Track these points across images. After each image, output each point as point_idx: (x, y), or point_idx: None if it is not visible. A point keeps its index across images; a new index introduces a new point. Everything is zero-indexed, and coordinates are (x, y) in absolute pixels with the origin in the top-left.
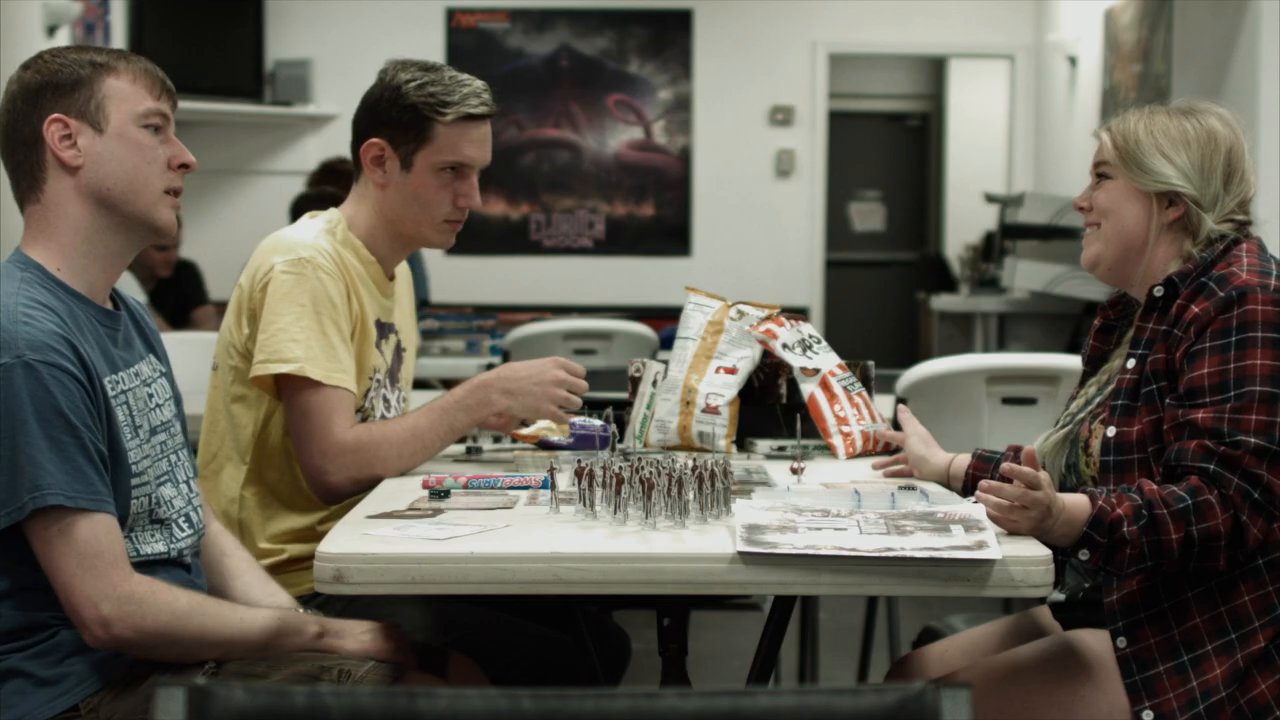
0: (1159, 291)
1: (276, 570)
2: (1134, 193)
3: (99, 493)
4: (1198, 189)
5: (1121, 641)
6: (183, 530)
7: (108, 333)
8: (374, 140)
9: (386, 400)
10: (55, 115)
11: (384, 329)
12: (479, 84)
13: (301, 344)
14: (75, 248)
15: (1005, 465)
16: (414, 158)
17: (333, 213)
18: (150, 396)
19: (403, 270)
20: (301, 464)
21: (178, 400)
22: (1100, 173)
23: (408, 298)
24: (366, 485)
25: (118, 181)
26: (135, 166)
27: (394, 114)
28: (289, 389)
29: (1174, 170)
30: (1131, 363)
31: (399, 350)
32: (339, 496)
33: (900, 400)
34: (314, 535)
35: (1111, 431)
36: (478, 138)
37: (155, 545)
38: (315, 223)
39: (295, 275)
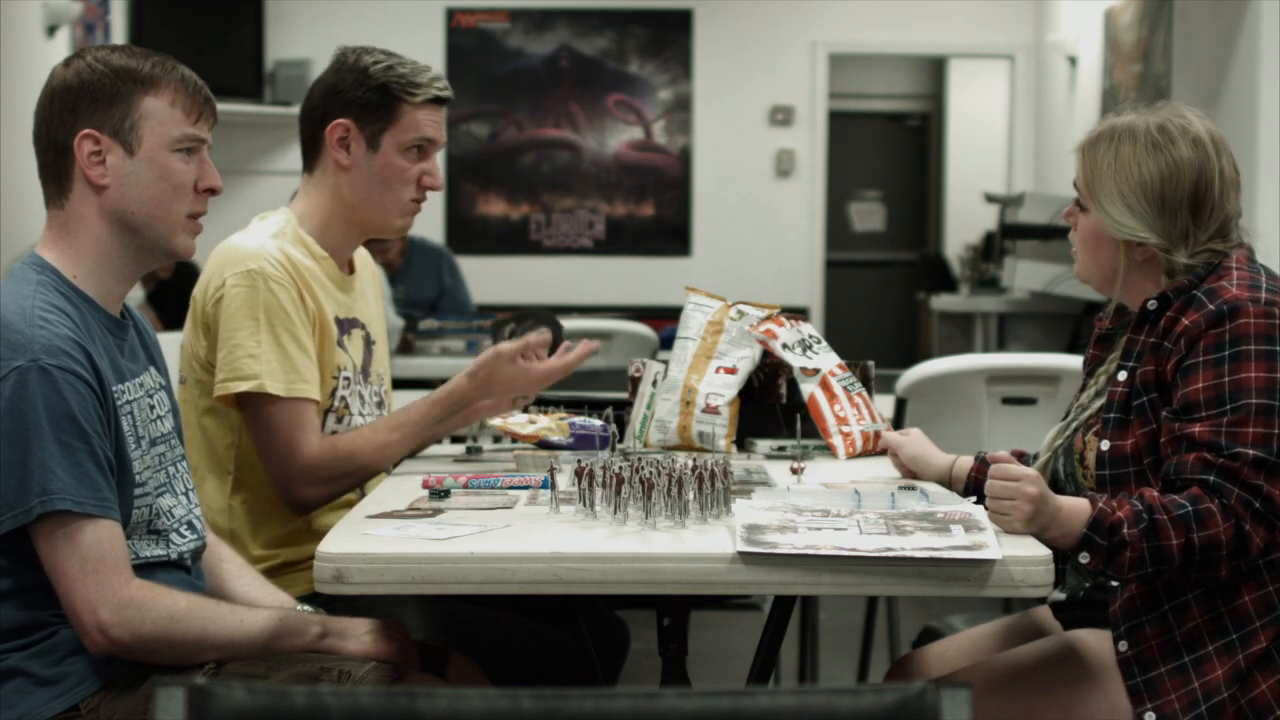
0: (1153, 305)
1: (271, 575)
2: (1104, 231)
3: (105, 499)
4: (1162, 234)
5: (1123, 645)
6: (183, 537)
7: (116, 342)
8: (339, 121)
9: (361, 397)
10: (88, 130)
11: (346, 325)
12: (437, 69)
13: (258, 359)
14: (92, 259)
15: (992, 455)
16: (381, 138)
17: (282, 212)
18: (152, 408)
19: (364, 261)
20: (271, 478)
21: (176, 413)
22: (1078, 200)
23: (373, 289)
24: (337, 496)
25: (141, 206)
26: (161, 193)
27: (361, 94)
28: (251, 405)
29: (1134, 220)
30: (1123, 375)
31: (368, 343)
32: (309, 509)
33: (900, 400)
34: (306, 538)
35: (1105, 445)
36: (440, 119)
37: (154, 550)
38: (265, 225)
39: (246, 289)
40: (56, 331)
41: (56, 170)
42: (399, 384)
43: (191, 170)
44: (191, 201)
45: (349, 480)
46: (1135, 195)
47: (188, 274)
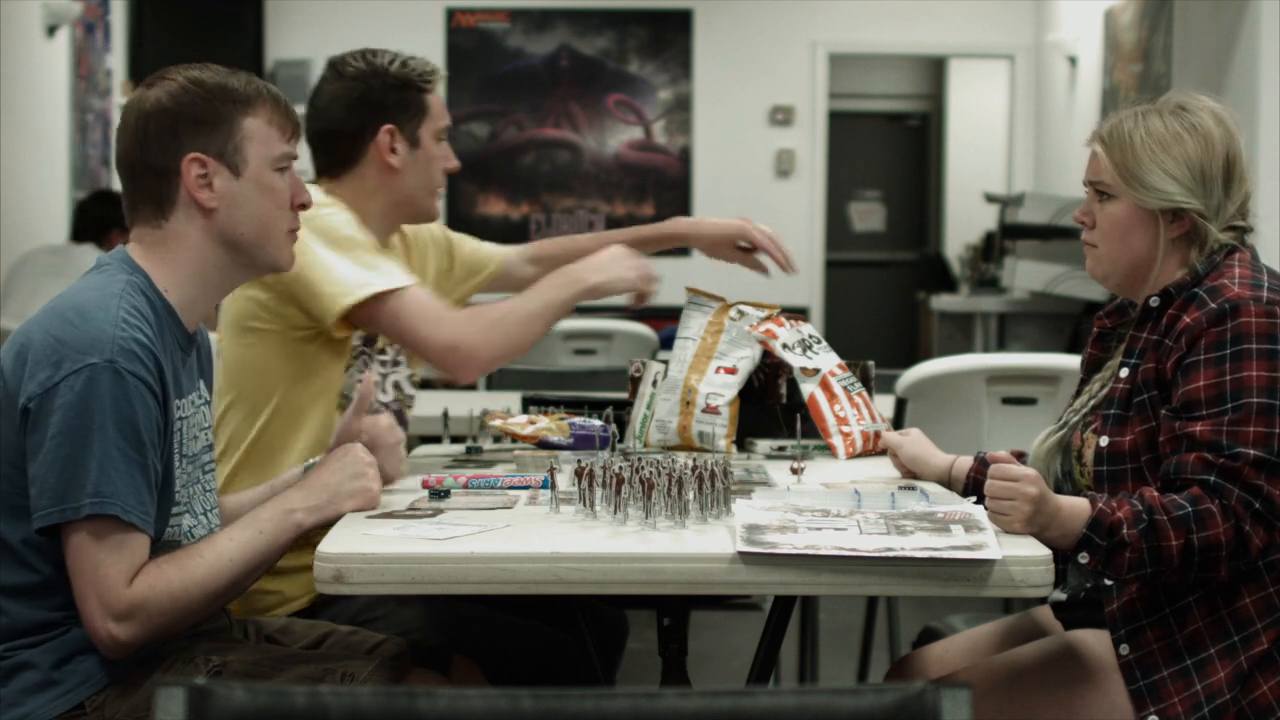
0: (1155, 302)
1: (268, 576)
2: (1139, 212)
3: (148, 514)
4: (1202, 201)
5: (1124, 649)
6: None
7: (183, 357)
8: (386, 128)
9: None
10: (195, 154)
11: None
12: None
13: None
14: (188, 274)
15: (991, 455)
16: (419, 133)
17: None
18: (194, 424)
19: (413, 230)
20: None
21: (211, 429)
22: (1100, 190)
23: (433, 256)
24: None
25: (251, 226)
26: (267, 211)
27: (392, 97)
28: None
29: (1176, 186)
30: (1125, 372)
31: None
32: None
33: (900, 400)
34: (299, 539)
35: (1104, 441)
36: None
37: None
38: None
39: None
40: (136, 337)
41: (155, 192)
42: None
43: (288, 186)
44: (290, 217)
45: None
46: (1176, 164)
47: None
